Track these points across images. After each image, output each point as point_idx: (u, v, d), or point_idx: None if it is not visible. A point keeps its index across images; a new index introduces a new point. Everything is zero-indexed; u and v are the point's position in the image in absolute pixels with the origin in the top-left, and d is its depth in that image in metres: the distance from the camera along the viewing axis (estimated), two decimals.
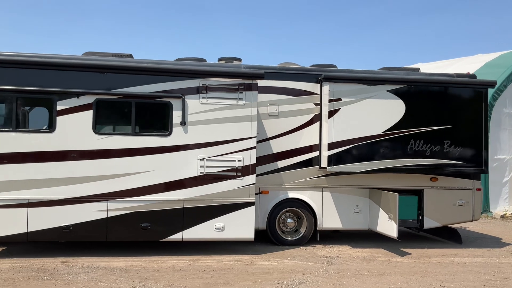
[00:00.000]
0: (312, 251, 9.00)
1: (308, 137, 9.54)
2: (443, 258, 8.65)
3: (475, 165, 9.59)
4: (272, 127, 9.49)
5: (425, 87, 9.54)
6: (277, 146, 9.51)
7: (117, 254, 8.33)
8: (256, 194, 9.40)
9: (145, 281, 6.70)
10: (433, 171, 9.56)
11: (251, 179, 8.59)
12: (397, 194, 8.85)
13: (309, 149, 9.55)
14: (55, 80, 8.13)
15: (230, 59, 10.13)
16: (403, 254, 8.96)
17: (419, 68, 10.71)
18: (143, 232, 8.28)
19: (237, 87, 8.58)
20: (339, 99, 9.19)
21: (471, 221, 10.14)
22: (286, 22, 45.63)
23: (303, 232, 9.62)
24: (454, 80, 9.70)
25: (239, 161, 8.54)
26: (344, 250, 9.19)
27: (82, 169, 8.10)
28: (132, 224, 8.23)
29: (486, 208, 15.86)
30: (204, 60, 9.85)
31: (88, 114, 8.17)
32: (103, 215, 8.16)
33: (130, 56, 9.33)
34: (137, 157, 8.27)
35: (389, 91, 9.31)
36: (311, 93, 9.55)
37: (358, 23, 44.79)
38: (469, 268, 7.92)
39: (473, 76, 10.16)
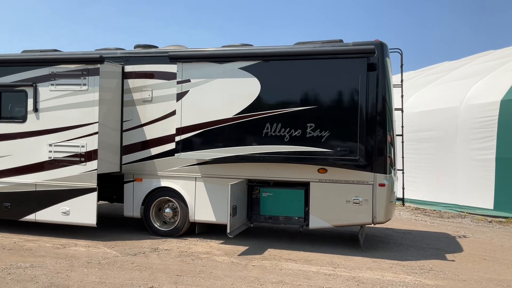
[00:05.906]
0: (162, 244, 8.46)
1: None
2: (273, 262, 7.24)
3: (348, 153, 7.68)
4: (146, 113, 9.22)
5: (285, 61, 8.00)
6: (151, 132, 9.19)
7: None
8: (130, 181, 9.36)
9: None
10: (294, 160, 7.98)
11: (93, 164, 8.55)
12: (229, 184, 7.76)
13: None
14: None
15: (146, 46, 10.17)
16: (248, 254, 7.78)
17: (341, 40, 8.99)
18: (5, 212, 9.05)
19: (80, 72, 8.64)
20: (188, 80, 8.43)
21: (374, 224, 8.11)
22: None
23: (176, 223, 9.11)
24: (319, 51, 7.89)
25: (83, 146, 8.59)
26: (198, 245, 8.42)
27: None
28: None
29: None
30: (123, 49, 10.12)
31: None
32: None
33: (56, 51, 10.15)
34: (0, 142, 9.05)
35: (242, 68, 8.13)
36: None
37: None
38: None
39: (379, 44, 8.10)
